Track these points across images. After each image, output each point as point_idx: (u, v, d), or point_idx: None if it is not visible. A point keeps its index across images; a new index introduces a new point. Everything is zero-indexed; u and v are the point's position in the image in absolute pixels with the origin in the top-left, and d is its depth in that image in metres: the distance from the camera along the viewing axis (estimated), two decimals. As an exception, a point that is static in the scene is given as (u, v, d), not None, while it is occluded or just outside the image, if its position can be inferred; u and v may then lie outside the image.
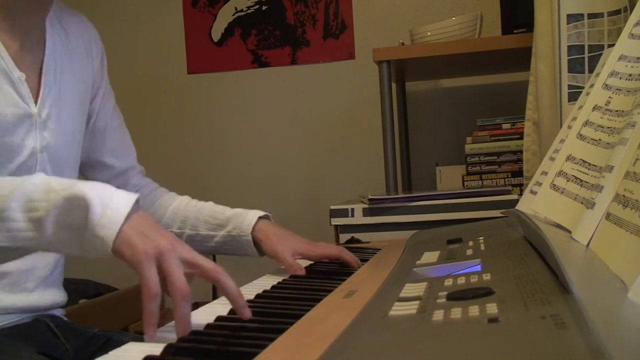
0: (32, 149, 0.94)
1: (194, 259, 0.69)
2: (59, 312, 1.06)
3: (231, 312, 0.74)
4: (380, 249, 1.16)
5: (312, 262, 1.07)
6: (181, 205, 1.16)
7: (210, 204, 1.15)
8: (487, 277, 0.63)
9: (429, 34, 1.88)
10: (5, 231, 0.70)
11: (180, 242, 0.71)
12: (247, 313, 0.68)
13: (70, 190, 0.69)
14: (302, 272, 0.97)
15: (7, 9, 0.92)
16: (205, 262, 0.70)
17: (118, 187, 1.04)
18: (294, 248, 1.03)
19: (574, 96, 1.30)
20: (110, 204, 0.68)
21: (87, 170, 1.15)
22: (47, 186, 0.70)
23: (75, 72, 1.07)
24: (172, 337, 0.66)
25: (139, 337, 0.69)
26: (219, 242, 1.10)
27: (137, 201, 0.71)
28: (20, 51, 0.95)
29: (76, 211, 0.68)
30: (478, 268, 0.72)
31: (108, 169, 1.15)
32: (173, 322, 0.69)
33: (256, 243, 1.07)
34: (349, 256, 1.02)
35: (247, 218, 1.08)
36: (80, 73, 1.08)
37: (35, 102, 0.96)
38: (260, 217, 1.08)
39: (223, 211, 1.12)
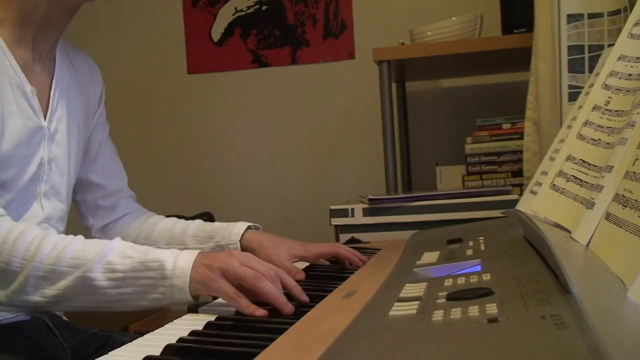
0: (41, 159, 0.98)
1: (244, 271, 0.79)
2: (57, 311, 1.05)
3: (236, 312, 0.75)
4: (380, 249, 1.16)
5: (308, 264, 1.07)
6: (169, 224, 1.17)
7: (198, 221, 1.16)
8: (487, 277, 0.64)
9: (429, 34, 1.88)
10: (88, 288, 0.81)
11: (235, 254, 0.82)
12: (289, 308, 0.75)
13: (146, 255, 0.82)
14: (302, 276, 0.97)
15: (23, 24, 0.95)
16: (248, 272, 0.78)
17: (107, 208, 1.19)
18: (289, 252, 1.04)
19: (574, 96, 1.30)
20: (178, 259, 0.81)
21: (78, 189, 1.16)
22: (123, 252, 0.82)
23: (79, 95, 1.11)
24: (173, 337, 0.66)
25: (139, 337, 0.69)
26: None
27: (200, 253, 0.82)
28: (32, 65, 0.99)
29: (150, 272, 0.80)
30: (478, 268, 0.72)
31: (97, 188, 1.17)
32: (173, 322, 0.69)
33: (249, 253, 1.07)
34: (344, 251, 1.03)
35: (235, 228, 1.09)
36: (84, 97, 1.12)
37: (45, 116, 0.99)
38: (249, 227, 1.09)
39: (210, 225, 1.13)
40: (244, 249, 1.06)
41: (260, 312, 0.73)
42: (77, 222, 1.18)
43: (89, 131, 1.15)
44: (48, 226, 0.99)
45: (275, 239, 1.07)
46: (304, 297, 0.78)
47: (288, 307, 0.74)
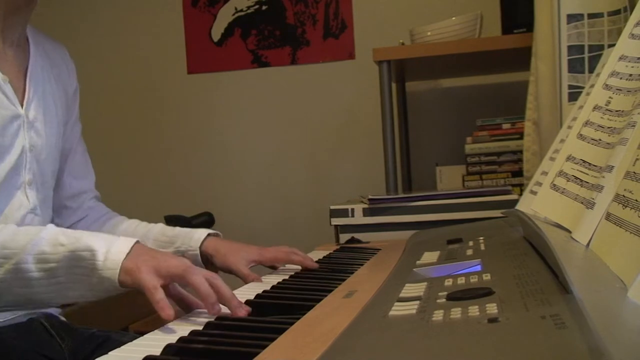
0: (22, 148, 0.97)
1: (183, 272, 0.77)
2: (55, 312, 1.05)
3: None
4: (380, 249, 1.16)
5: (301, 269, 1.07)
6: (131, 226, 1.16)
7: (160, 225, 1.16)
8: (487, 277, 0.63)
9: (429, 34, 1.88)
10: (21, 280, 0.79)
11: (172, 256, 0.80)
12: (243, 312, 0.72)
13: (77, 244, 0.79)
14: (259, 281, 0.98)
15: None
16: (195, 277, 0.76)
17: (73, 209, 1.18)
18: (245, 258, 1.04)
19: (574, 96, 1.30)
20: (111, 249, 0.78)
21: None
22: (55, 240, 0.80)
23: (56, 85, 1.10)
24: (173, 337, 0.66)
25: (139, 337, 0.69)
26: None
27: (137, 242, 0.80)
28: (3, 53, 0.98)
29: (83, 261, 0.78)
30: (478, 268, 0.72)
31: (65, 188, 1.16)
32: (173, 322, 0.69)
33: (207, 259, 1.07)
34: (298, 257, 1.04)
35: (196, 234, 1.09)
36: (60, 89, 1.11)
37: (22, 104, 0.98)
38: (209, 234, 1.09)
39: (172, 230, 1.13)
40: (202, 254, 1.07)
41: (168, 312, 0.71)
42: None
43: (64, 123, 1.13)
44: (34, 216, 0.99)
45: (232, 245, 1.07)
46: (240, 312, 0.73)
47: (215, 309, 0.72)
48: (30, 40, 1.06)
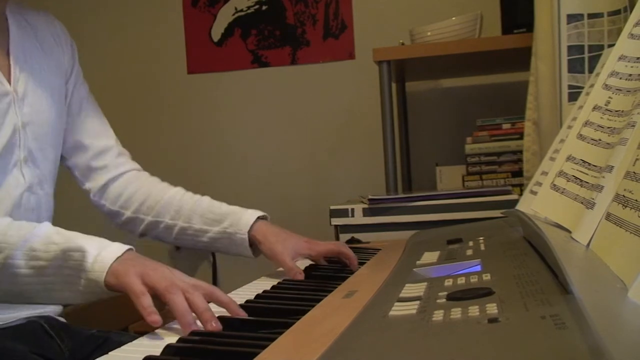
0: (14, 125, 0.95)
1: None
2: (54, 313, 1.05)
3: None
4: (380, 249, 1.16)
5: (310, 264, 1.07)
6: (177, 196, 1.13)
7: (207, 198, 1.12)
8: (487, 277, 0.63)
9: (429, 34, 1.88)
10: (9, 276, 0.78)
11: (161, 268, 0.77)
12: (242, 312, 0.71)
13: (69, 244, 0.78)
14: (301, 277, 0.96)
15: None
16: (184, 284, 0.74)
17: (100, 168, 1.13)
18: (294, 249, 1.03)
19: (574, 96, 1.30)
20: (102, 252, 0.76)
21: (66, 156, 1.13)
22: (48, 239, 0.79)
23: (46, 56, 1.07)
24: (173, 337, 0.66)
25: (139, 337, 0.69)
26: (212, 237, 1.08)
27: (129, 249, 0.79)
28: None
29: (72, 261, 0.77)
30: (478, 268, 0.72)
31: (86, 149, 1.13)
32: (173, 322, 0.69)
33: (253, 243, 1.05)
34: (348, 250, 1.02)
35: (245, 216, 1.06)
36: (52, 58, 1.08)
37: (9, 82, 0.96)
38: (258, 217, 1.07)
39: (220, 206, 1.10)
40: (250, 239, 1.05)
41: (154, 318, 0.69)
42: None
43: (67, 92, 1.11)
44: (30, 194, 0.98)
45: (282, 234, 1.05)
46: (241, 312, 0.73)
47: (190, 328, 0.68)
48: (9, 16, 1.03)
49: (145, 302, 0.71)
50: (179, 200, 1.12)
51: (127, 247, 0.79)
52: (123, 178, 1.15)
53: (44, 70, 1.05)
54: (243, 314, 0.72)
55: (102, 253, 0.77)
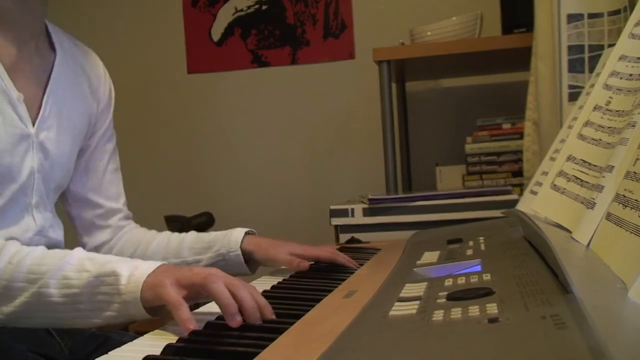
0: (31, 169, 0.94)
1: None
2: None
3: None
4: (380, 249, 1.16)
5: (312, 263, 1.07)
6: (164, 239, 1.14)
7: (193, 232, 1.13)
8: (487, 277, 0.63)
9: (429, 34, 1.88)
10: (44, 305, 0.78)
11: (193, 268, 0.77)
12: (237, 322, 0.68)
13: (102, 269, 0.77)
14: (306, 266, 0.97)
15: None
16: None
17: (103, 227, 1.15)
18: (287, 250, 1.04)
19: (574, 96, 1.30)
20: (135, 272, 0.76)
21: (72, 204, 1.13)
22: (81, 266, 0.78)
23: (80, 100, 1.06)
24: (173, 337, 0.66)
25: (139, 337, 0.69)
26: (207, 264, 1.08)
27: (162, 264, 0.78)
28: (21, 67, 0.94)
29: (105, 286, 0.76)
30: (478, 268, 0.72)
31: (96, 207, 1.13)
32: (173, 322, 0.69)
33: (247, 257, 1.06)
34: (342, 259, 1.02)
35: (234, 235, 1.07)
36: (84, 104, 1.07)
37: (34, 123, 0.95)
38: (246, 233, 1.08)
39: (207, 235, 1.11)
40: (243, 252, 1.05)
41: (190, 326, 0.67)
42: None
43: (87, 141, 1.10)
44: (41, 238, 0.97)
45: (273, 241, 1.06)
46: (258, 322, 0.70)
47: (236, 320, 0.67)
48: (57, 47, 1.02)
49: (184, 314, 0.68)
50: (167, 242, 1.13)
51: (159, 262, 0.78)
52: (119, 236, 1.16)
53: (72, 116, 1.03)
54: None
55: (135, 273, 0.75)
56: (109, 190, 1.14)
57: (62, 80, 1.02)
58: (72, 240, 1.09)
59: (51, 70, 1.00)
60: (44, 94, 0.98)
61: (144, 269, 0.76)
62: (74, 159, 1.08)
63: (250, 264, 1.08)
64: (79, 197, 1.12)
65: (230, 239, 1.06)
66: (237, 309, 0.67)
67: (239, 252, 1.05)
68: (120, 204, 1.16)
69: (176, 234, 1.14)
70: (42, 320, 0.81)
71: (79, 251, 0.82)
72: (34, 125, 0.95)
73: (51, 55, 1.02)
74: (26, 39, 0.96)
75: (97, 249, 1.14)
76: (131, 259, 0.80)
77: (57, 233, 1.03)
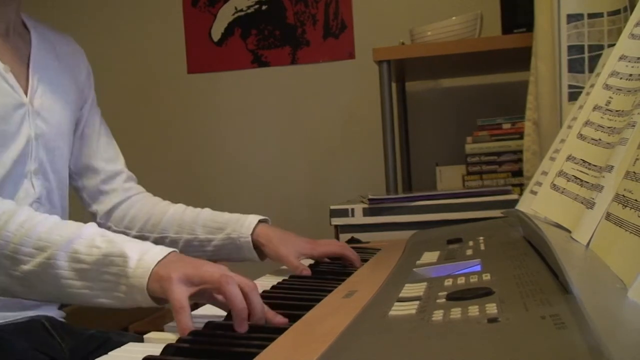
0: (27, 136, 0.98)
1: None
2: (55, 313, 1.05)
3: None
4: (380, 249, 1.16)
5: (313, 262, 1.08)
6: (178, 211, 1.15)
7: (208, 210, 1.14)
8: (487, 277, 0.64)
9: (429, 33, 1.88)
10: (51, 276, 0.76)
11: (207, 263, 0.75)
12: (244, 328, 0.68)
13: (111, 248, 0.75)
14: (308, 273, 0.97)
15: None
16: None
17: (108, 192, 1.16)
18: (297, 250, 1.04)
19: (574, 96, 1.30)
20: (144, 256, 0.74)
21: (75, 177, 1.16)
22: (92, 242, 0.77)
23: (64, 73, 1.10)
24: (172, 337, 0.66)
25: (139, 337, 0.69)
26: (217, 245, 1.09)
27: (173, 251, 0.76)
28: (1, 44, 0.99)
29: (113, 266, 0.74)
30: (478, 268, 0.72)
31: (97, 173, 1.15)
32: (173, 321, 0.69)
33: (257, 247, 1.07)
34: (351, 253, 1.03)
35: (247, 221, 1.08)
36: (69, 77, 1.11)
37: (26, 93, 0.99)
38: (259, 221, 1.08)
39: (221, 215, 1.11)
40: (254, 242, 1.06)
41: (186, 333, 0.65)
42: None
43: (80, 112, 1.14)
44: (39, 206, 0.99)
45: (284, 236, 1.07)
46: (279, 319, 0.70)
47: (243, 327, 0.66)
48: (32, 30, 1.07)
49: (183, 321, 0.67)
50: (181, 215, 1.14)
51: (169, 249, 0.76)
52: (129, 201, 1.18)
53: (61, 84, 1.08)
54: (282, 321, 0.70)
55: (143, 257, 0.74)
56: (106, 152, 1.18)
57: (42, 56, 1.06)
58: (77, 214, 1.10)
59: (29, 46, 1.05)
60: (28, 67, 1.02)
61: (153, 253, 0.74)
62: (73, 128, 1.11)
63: (260, 252, 1.08)
64: (79, 167, 1.15)
65: (243, 224, 1.07)
66: (247, 315, 0.67)
67: (249, 239, 1.06)
68: (120, 165, 1.20)
69: (191, 207, 1.15)
70: (45, 293, 0.79)
71: (92, 225, 0.81)
72: (26, 94, 0.99)
73: (27, 35, 1.07)
74: (2, 20, 1.00)
75: (108, 214, 1.16)
76: (141, 241, 0.79)
77: (54, 204, 1.04)
